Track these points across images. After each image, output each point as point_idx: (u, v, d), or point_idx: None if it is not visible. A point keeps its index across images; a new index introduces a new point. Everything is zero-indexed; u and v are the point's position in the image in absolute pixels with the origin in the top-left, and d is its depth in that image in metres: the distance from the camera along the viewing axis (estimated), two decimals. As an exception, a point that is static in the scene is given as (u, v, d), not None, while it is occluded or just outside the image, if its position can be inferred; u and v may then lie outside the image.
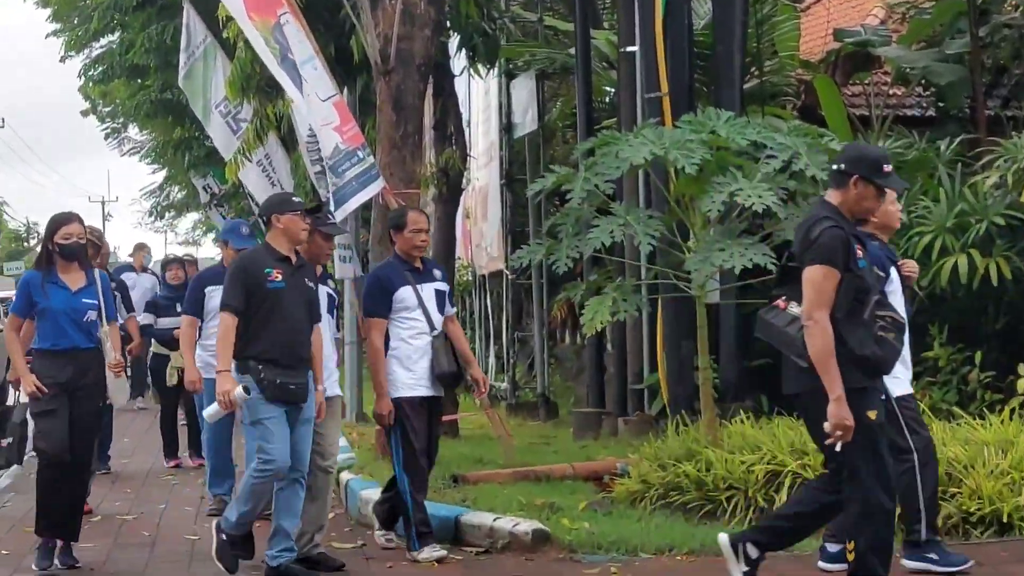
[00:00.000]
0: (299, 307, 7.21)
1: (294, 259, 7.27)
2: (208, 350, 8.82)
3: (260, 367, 7.05)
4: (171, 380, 11.92)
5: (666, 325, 11.00)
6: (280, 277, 7.14)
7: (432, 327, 7.77)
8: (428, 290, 7.83)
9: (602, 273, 11.02)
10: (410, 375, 7.71)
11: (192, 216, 54.82)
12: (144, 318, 12.08)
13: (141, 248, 18.00)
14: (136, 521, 9.36)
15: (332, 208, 10.32)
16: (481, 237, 18.38)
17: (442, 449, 10.72)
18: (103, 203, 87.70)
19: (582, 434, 12.41)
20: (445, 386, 7.95)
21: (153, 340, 12.62)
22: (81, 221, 7.98)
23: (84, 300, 7.76)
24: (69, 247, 7.72)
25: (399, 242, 7.90)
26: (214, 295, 8.72)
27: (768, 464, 8.16)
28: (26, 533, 8.93)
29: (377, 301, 7.74)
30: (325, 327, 7.59)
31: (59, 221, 7.79)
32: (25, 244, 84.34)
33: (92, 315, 7.77)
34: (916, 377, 8.35)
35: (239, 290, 7.12)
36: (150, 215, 46.10)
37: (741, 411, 9.42)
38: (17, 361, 7.82)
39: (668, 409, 10.62)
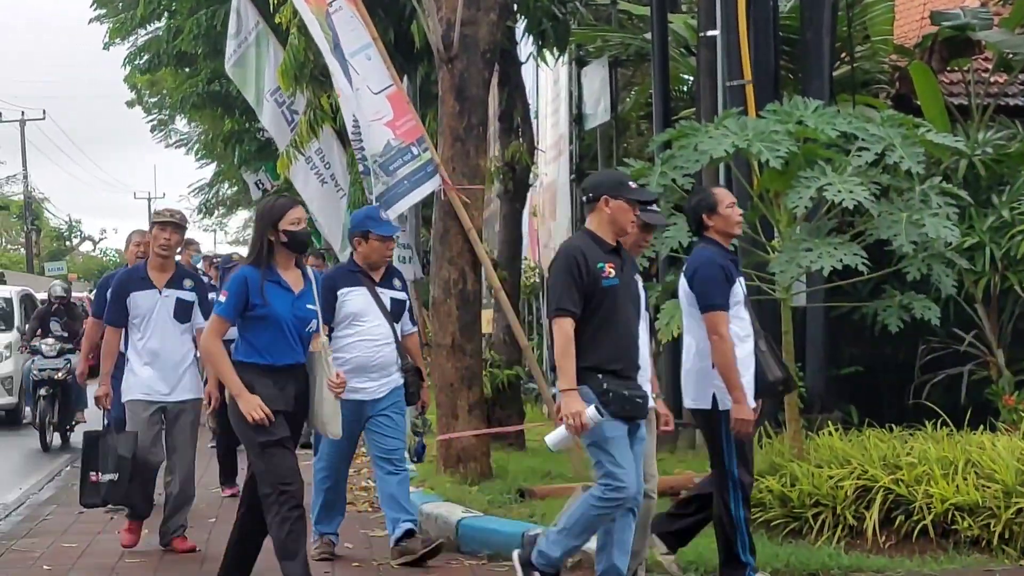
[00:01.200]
0: (631, 306, 6.77)
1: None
2: (346, 364, 7.96)
3: (602, 379, 6.55)
4: None
5: (748, 330, 10.92)
6: (613, 273, 6.63)
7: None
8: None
9: (679, 274, 10.98)
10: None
11: (243, 214, 55.39)
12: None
13: (188, 245, 18.06)
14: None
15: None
16: (549, 236, 18.40)
17: (507, 462, 10.88)
18: (149, 200, 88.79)
19: (658, 447, 12.36)
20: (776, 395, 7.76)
21: None
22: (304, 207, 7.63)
23: (308, 306, 7.03)
24: (300, 236, 6.96)
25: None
26: (349, 298, 8.24)
27: (858, 479, 8.12)
28: (67, 548, 9.10)
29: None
30: (644, 326, 7.04)
31: (283, 206, 6.99)
32: (67, 243, 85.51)
33: (314, 324, 7.04)
34: None
35: (573, 290, 6.51)
36: (199, 212, 46.57)
37: (829, 423, 9.38)
38: (230, 377, 6.87)
39: (750, 420, 10.54)
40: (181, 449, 8.90)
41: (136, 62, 23.90)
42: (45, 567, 8.49)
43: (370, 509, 10.37)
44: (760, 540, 7.98)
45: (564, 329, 6.47)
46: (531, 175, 14.50)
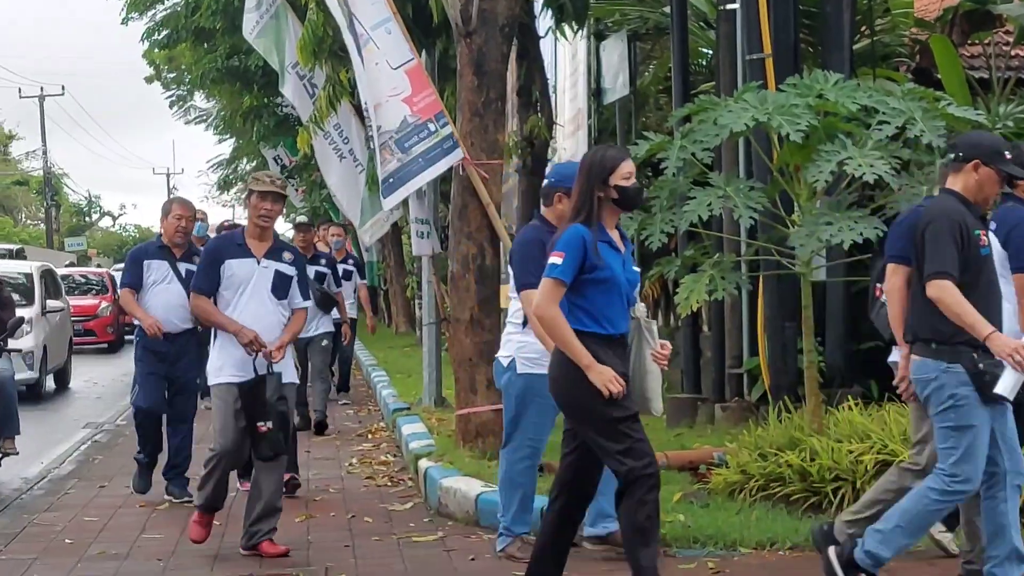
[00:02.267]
0: (996, 279, 6.40)
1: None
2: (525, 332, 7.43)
3: (976, 357, 6.11)
4: None
5: (768, 305, 10.93)
6: (986, 241, 6.30)
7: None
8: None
9: (698, 249, 10.95)
10: None
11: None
12: None
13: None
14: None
15: (385, 188, 10.43)
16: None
17: (527, 436, 10.85)
18: (168, 175, 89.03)
19: (676, 421, 12.37)
20: None
21: None
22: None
23: (635, 268, 6.52)
24: (631, 191, 6.35)
25: None
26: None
27: (878, 454, 8.10)
28: (88, 522, 9.13)
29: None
30: None
31: (615, 158, 6.34)
32: (87, 219, 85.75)
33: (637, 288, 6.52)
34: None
35: (957, 255, 6.14)
36: (217, 188, 46.73)
37: (849, 397, 9.36)
38: (578, 348, 6.07)
39: (769, 395, 10.56)
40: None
41: (155, 37, 23.93)
42: (67, 541, 8.53)
43: (389, 483, 10.40)
44: (780, 515, 7.99)
45: (951, 290, 6.05)
46: (549, 150, 14.44)
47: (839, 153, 8.37)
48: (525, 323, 7.36)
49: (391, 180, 10.37)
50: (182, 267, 9.78)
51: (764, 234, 9.85)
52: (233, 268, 8.01)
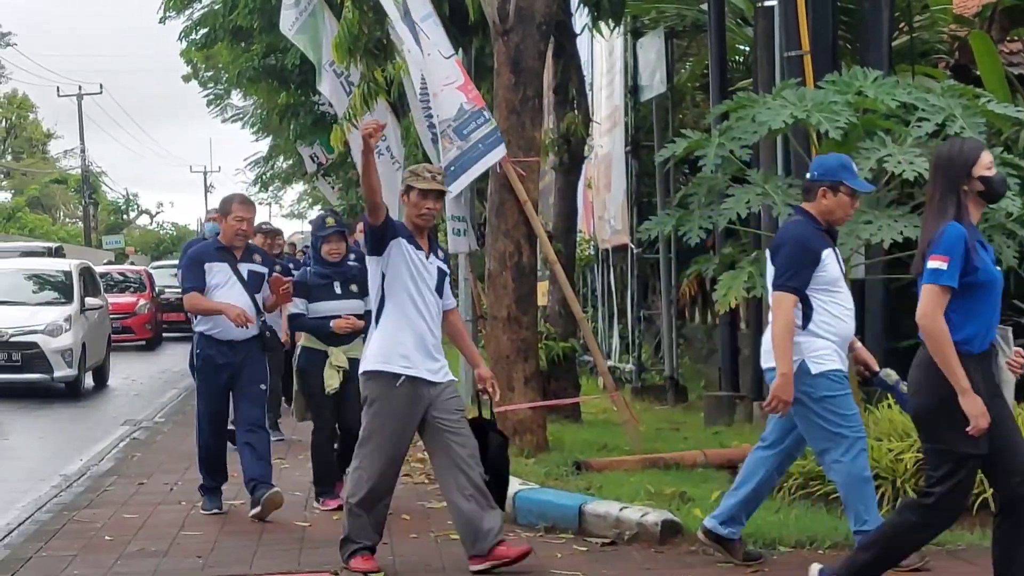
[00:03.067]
0: None
1: None
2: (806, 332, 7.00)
3: None
4: (331, 385, 9.29)
5: (806, 303, 10.85)
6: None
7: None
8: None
9: (736, 246, 10.95)
10: None
11: (298, 187, 55.66)
12: (295, 305, 9.45)
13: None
14: (244, 507, 9.52)
15: (448, 176, 10.36)
16: (604, 208, 18.35)
17: (564, 434, 10.89)
18: (205, 173, 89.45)
19: (714, 419, 12.37)
20: None
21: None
22: None
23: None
24: (998, 182, 6.00)
25: None
26: (829, 261, 7.07)
27: (918, 452, 8.04)
28: (127, 519, 9.17)
29: None
30: None
31: (975, 148, 5.97)
32: (124, 217, 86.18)
33: None
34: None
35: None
36: (254, 186, 46.83)
37: (888, 395, 9.29)
38: (958, 371, 5.65)
39: (808, 393, 10.48)
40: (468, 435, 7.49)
41: (192, 36, 24.00)
42: (107, 538, 8.56)
43: (427, 481, 10.39)
44: (819, 513, 7.96)
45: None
46: (586, 147, 14.44)
47: (878, 150, 8.34)
48: (805, 324, 6.94)
49: (453, 168, 10.34)
50: (243, 268, 9.24)
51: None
52: (412, 257, 7.46)
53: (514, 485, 8.73)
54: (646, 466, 9.52)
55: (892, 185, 8.92)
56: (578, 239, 17.13)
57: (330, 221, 9.55)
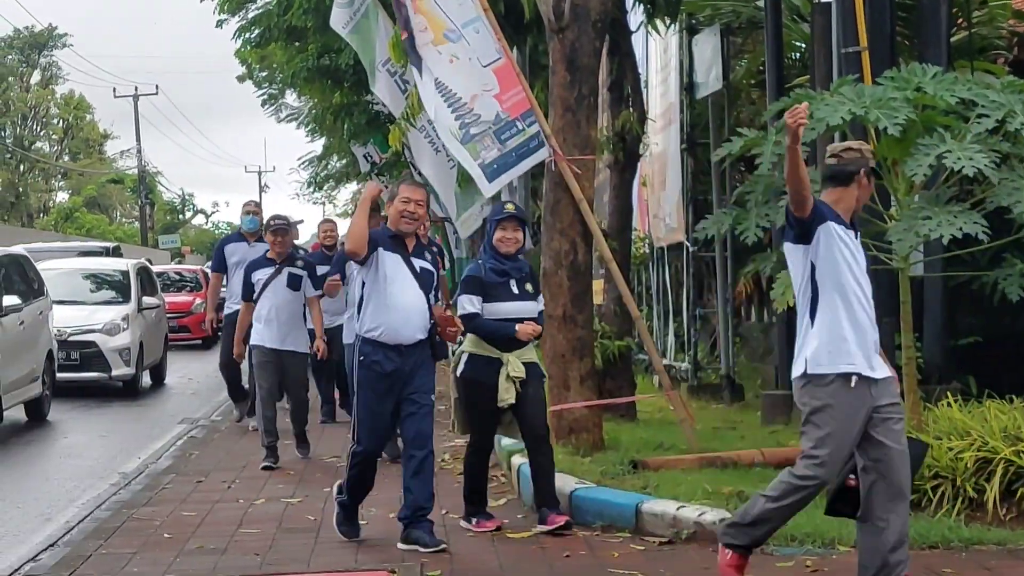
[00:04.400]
0: None
1: None
2: None
3: None
4: (507, 399, 8.22)
5: (864, 300, 10.79)
6: None
7: None
8: None
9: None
10: None
11: (351, 187, 55.81)
12: (470, 303, 8.32)
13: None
14: (301, 505, 9.59)
15: (490, 173, 10.37)
16: (659, 206, 18.31)
17: (620, 433, 10.89)
18: (259, 173, 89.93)
19: (771, 418, 12.32)
20: None
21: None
22: None
23: None
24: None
25: None
26: None
27: (978, 451, 8.01)
28: (186, 516, 9.25)
29: None
30: None
31: None
32: (180, 216, 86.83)
33: None
34: None
35: None
36: (308, 186, 47.03)
37: (948, 394, 9.25)
38: None
39: (866, 392, 10.43)
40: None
41: (246, 36, 24.12)
42: (166, 535, 8.64)
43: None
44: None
45: None
46: (641, 145, 14.42)
47: (938, 147, 8.27)
48: None
49: (495, 166, 10.36)
50: (417, 263, 8.07)
51: (861, 229, 9.72)
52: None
53: (570, 483, 8.76)
54: (703, 465, 9.50)
55: (951, 182, 8.85)
56: (633, 237, 17.10)
57: (509, 207, 8.50)
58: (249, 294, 11.62)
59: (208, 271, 30.82)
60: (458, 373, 8.46)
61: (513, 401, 8.19)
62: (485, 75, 10.59)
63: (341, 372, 13.45)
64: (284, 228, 11.71)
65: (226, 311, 14.31)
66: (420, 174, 20.38)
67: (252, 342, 11.61)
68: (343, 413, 13.80)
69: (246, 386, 14.58)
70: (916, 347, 9.82)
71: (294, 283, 11.52)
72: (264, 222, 12.99)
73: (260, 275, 11.59)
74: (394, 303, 7.89)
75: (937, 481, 8.02)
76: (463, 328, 8.24)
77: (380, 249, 7.91)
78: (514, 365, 8.19)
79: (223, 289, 15.08)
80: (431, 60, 10.54)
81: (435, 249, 10.24)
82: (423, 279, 8.01)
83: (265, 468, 11.24)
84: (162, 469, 11.76)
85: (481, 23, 10.66)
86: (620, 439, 10.59)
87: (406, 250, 8.01)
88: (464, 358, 8.37)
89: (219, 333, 15.28)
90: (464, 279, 8.39)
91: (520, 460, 9.75)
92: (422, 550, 7.80)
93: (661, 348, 17.96)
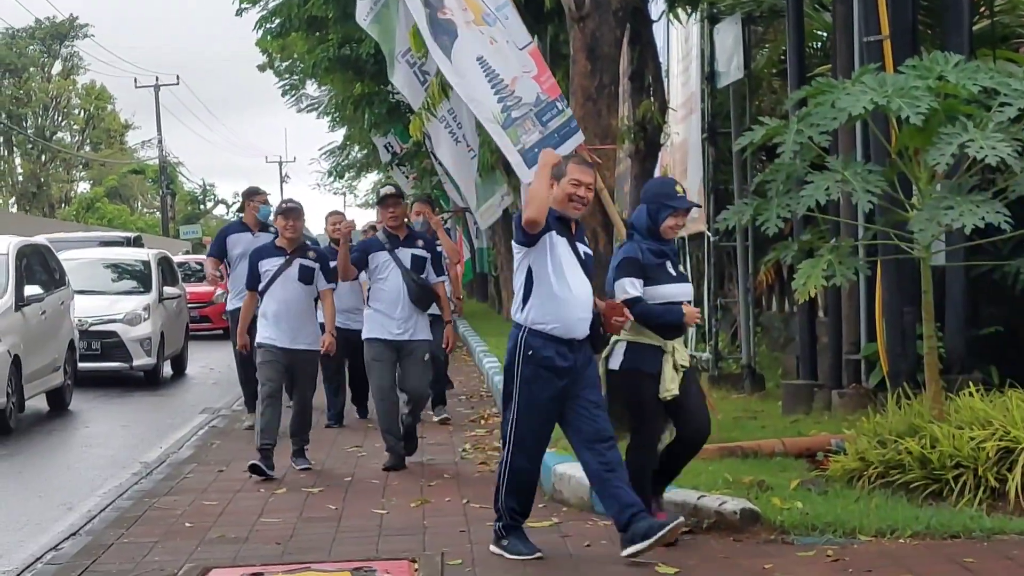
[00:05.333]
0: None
1: None
2: None
3: None
4: (671, 390, 7.51)
5: (886, 290, 10.81)
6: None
7: None
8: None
9: (815, 233, 10.88)
10: None
11: (372, 177, 55.89)
12: (632, 286, 7.60)
13: (254, 195, 14.24)
14: (322, 494, 9.62)
15: (530, 158, 10.31)
16: (680, 196, 18.23)
17: (641, 422, 10.84)
18: (280, 163, 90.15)
19: (792, 408, 12.30)
20: None
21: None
22: None
23: None
24: None
25: None
26: None
27: (1000, 440, 7.99)
28: (207, 506, 9.28)
29: None
30: None
31: None
32: (201, 207, 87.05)
33: None
34: None
35: None
36: (329, 176, 47.13)
37: (969, 383, 9.22)
38: None
39: (888, 381, 10.45)
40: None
41: (267, 26, 24.18)
42: (187, 524, 8.67)
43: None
44: (900, 503, 7.90)
45: None
46: (662, 134, 14.39)
47: (960, 136, 8.24)
48: None
49: (536, 151, 10.31)
50: (581, 249, 7.45)
51: (882, 218, 9.73)
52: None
53: (591, 473, 8.73)
54: (724, 455, 9.49)
55: (974, 171, 8.83)
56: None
57: (679, 189, 7.87)
58: (255, 283, 10.75)
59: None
60: (614, 365, 7.56)
61: (677, 393, 7.50)
62: (523, 57, 10.57)
63: (356, 372, 13.36)
64: (297, 209, 10.83)
65: (230, 306, 13.47)
66: (440, 164, 20.40)
67: (259, 340, 10.65)
68: (348, 420, 13.70)
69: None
70: (938, 337, 9.83)
71: (306, 276, 10.66)
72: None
73: (268, 265, 10.68)
74: (566, 294, 7.21)
75: (959, 471, 8.00)
76: (631, 318, 7.40)
77: (553, 232, 7.22)
78: (681, 353, 7.59)
79: (216, 279, 14.00)
80: (473, 39, 10.40)
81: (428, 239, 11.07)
82: (587, 267, 7.40)
83: (252, 469, 10.26)
84: (183, 459, 11.79)
85: (509, 8, 10.66)
86: (641, 429, 10.56)
87: (572, 234, 7.37)
88: (621, 348, 7.54)
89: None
90: (622, 261, 7.58)
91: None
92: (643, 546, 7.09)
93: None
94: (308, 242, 11.36)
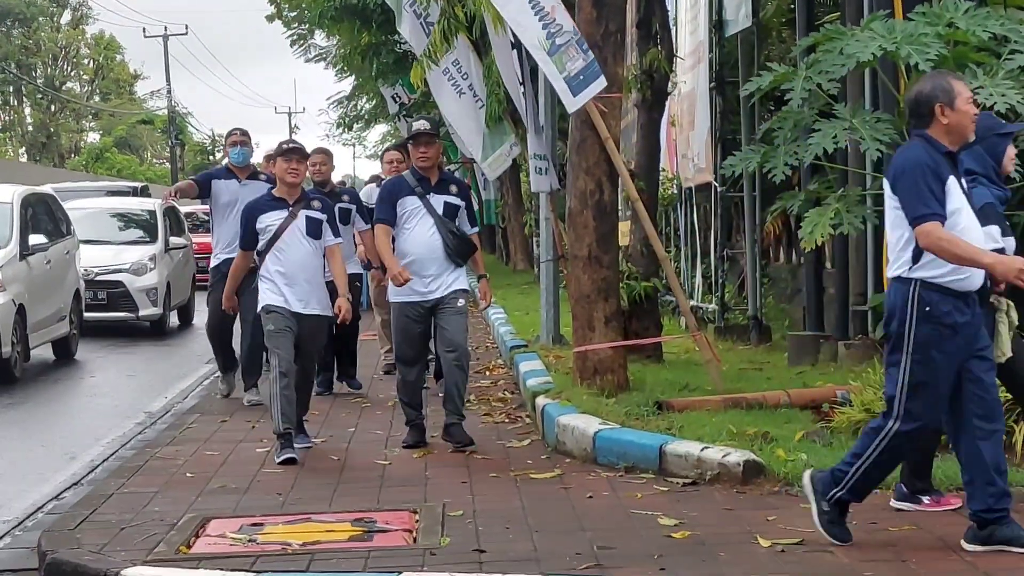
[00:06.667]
0: None
1: None
2: None
3: None
4: (1004, 352, 6.54)
5: (893, 240, 10.66)
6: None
7: None
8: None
9: (823, 183, 10.75)
10: None
11: (380, 128, 55.71)
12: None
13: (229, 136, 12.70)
14: (324, 445, 9.54)
15: (575, 85, 10.07)
16: (688, 146, 18.13)
17: (646, 374, 10.80)
18: (290, 114, 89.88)
19: (798, 359, 12.22)
20: None
21: None
22: None
23: None
24: None
25: None
26: None
27: (1006, 394, 7.85)
28: (209, 456, 9.22)
29: None
30: None
31: None
32: (211, 157, 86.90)
33: None
34: None
35: None
36: (337, 127, 46.92)
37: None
38: None
39: (894, 333, 10.31)
40: None
41: (274, -25, 24.00)
42: (188, 474, 8.60)
43: (507, 420, 10.37)
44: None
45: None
46: (669, 83, 14.22)
47: (970, 83, 8.07)
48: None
49: (581, 77, 10.11)
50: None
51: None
52: None
53: (594, 424, 8.68)
54: (728, 406, 9.39)
55: (984, 119, 8.67)
56: (661, 178, 16.96)
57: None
58: (252, 242, 9.34)
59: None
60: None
61: (1011, 354, 6.60)
62: None
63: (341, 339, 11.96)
64: (301, 149, 9.52)
65: (215, 261, 11.99)
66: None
67: (268, 303, 9.14)
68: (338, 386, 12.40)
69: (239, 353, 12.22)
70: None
71: (314, 229, 9.28)
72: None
73: (268, 220, 9.25)
74: (973, 236, 6.20)
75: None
76: None
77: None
78: (1012, 312, 6.63)
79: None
80: None
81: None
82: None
83: (286, 462, 8.82)
84: (187, 408, 11.75)
85: None
86: (645, 380, 10.50)
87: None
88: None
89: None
90: (986, 206, 6.54)
91: (544, 401, 9.68)
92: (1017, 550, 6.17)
93: (688, 289, 17.84)
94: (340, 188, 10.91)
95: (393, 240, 9.23)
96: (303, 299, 9.20)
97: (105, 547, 6.72)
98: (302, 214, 9.29)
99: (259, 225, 9.27)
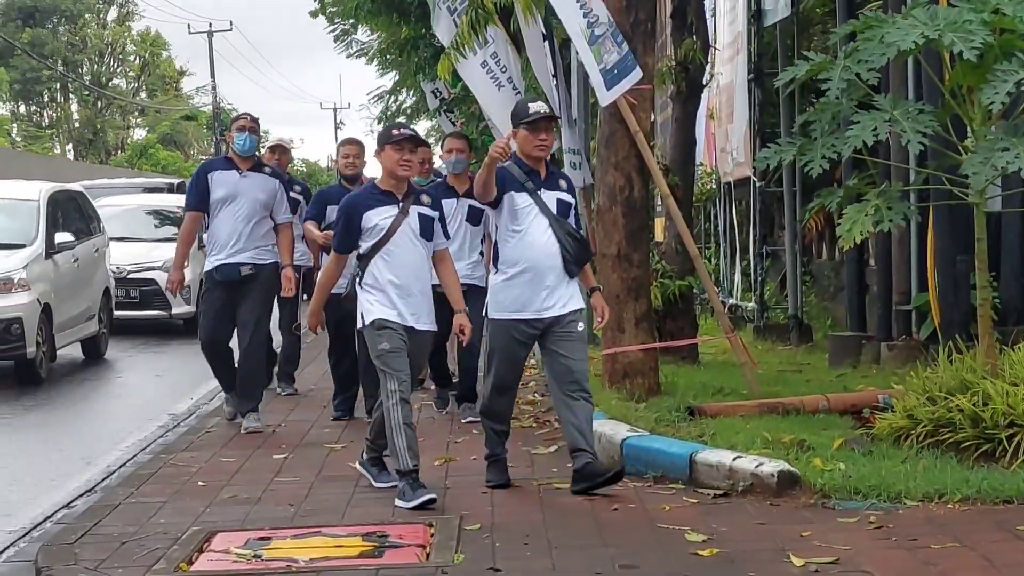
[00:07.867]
0: None
1: None
2: None
3: None
4: None
5: (938, 237, 10.41)
6: None
7: None
8: None
9: (863, 177, 10.39)
10: None
11: (423, 124, 55.44)
12: None
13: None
14: (344, 451, 9.21)
15: (609, 79, 9.73)
16: (726, 140, 17.74)
17: (677, 377, 10.45)
18: (335, 110, 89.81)
19: (839, 361, 11.89)
20: None
21: None
22: None
23: None
24: None
25: None
26: None
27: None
28: (224, 462, 8.90)
29: None
30: None
31: None
32: (255, 154, 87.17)
33: None
34: None
35: None
36: (378, 122, 46.70)
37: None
38: None
39: (939, 334, 10.06)
40: None
41: (316, -30, 23.86)
42: (199, 483, 8.28)
43: (534, 425, 10.01)
44: (949, 464, 7.40)
45: None
46: (706, 75, 13.83)
47: (1017, 73, 7.74)
48: None
49: (615, 71, 9.76)
50: None
51: (934, 161, 9.20)
52: None
53: (622, 431, 8.32)
54: (763, 412, 9.00)
55: (1032, 110, 8.27)
56: (699, 172, 16.59)
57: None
58: (352, 245, 7.80)
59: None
60: None
61: None
62: None
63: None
64: (416, 137, 8.05)
65: (208, 265, 10.80)
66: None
67: (381, 317, 7.58)
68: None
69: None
70: (992, 287, 9.41)
71: (427, 229, 7.81)
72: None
73: (377, 217, 7.69)
74: None
75: (1013, 430, 7.51)
76: None
77: None
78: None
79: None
80: None
81: None
82: None
83: (424, 505, 7.36)
84: (211, 411, 11.49)
85: None
86: (678, 383, 10.13)
87: None
88: None
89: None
90: None
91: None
92: None
93: (727, 287, 17.46)
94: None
95: (495, 248, 7.91)
96: (415, 312, 7.71)
97: (103, 563, 6.43)
98: (414, 211, 7.76)
99: (366, 224, 7.69)
